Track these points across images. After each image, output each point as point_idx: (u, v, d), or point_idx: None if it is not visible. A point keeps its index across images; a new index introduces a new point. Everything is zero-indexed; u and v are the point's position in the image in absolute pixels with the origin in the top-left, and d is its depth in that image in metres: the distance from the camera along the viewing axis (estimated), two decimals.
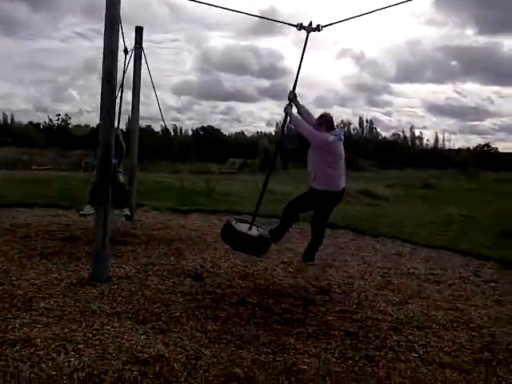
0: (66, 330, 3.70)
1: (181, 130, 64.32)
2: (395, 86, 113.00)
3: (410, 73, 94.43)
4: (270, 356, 3.52)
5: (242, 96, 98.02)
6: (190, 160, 46.27)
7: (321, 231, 5.53)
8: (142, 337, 3.68)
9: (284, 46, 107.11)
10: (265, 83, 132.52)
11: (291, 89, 5.23)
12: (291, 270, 6.04)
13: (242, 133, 75.96)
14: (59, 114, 54.64)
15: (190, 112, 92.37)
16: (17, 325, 3.73)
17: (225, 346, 3.63)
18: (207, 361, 3.35)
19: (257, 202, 5.17)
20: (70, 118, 54.50)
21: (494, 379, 3.36)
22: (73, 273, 5.21)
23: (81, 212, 7.02)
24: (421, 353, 3.73)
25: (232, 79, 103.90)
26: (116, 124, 6.18)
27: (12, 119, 70.75)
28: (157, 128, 56.00)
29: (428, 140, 64.39)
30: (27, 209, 9.05)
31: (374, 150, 53.66)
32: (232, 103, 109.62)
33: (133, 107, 8.52)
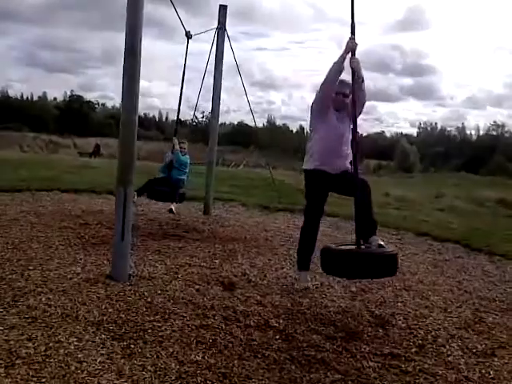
0: (23, 337, 3.11)
1: None
2: None
3: None
4: None
5: (383, 95, 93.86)
6: None
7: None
8: (100, 359, 2.94)
9: (429, 43, 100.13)
10: (408, 81, 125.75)
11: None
12: (354, 289, 4.84)
13: (383, 133, 72.86)
14: (204, 112, 57.58)
15: None
16: None
17: None
18: None
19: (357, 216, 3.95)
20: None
21: None
22: (97, 267, 4.71)
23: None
24: None
25: (374, 78, 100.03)
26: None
27: (166, 117, 77.14)
28: (295, 127, 56.15)
29: None
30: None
31: None
32: (373, 103, 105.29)
33: (213, 95, 7.91)
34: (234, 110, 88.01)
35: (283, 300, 4.31)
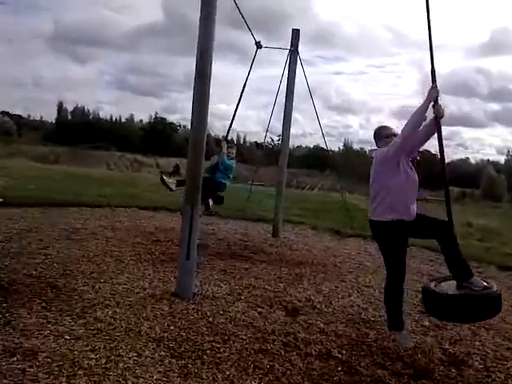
0: (87, 348, 3.20)
1: None
2: None
3: None
4: None
5: (468, 120, 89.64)
6: None
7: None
8: (157, 376, 2.95)
9: None
10: (495, 107, 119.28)
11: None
12: (427, 323, 4.54)
13: (467, 159, 69.47)
14: (280, 135, 58.28)
15: None
16: (46, 331, 3.39)
17: None
18: None
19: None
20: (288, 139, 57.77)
21: None
22: (163, 284, 4.80)
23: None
24: None
25: (457, 102, 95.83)
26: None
27: (244, 139, 78.97)
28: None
29: None
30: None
31: None
32: (457, 128, 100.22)
33: (284, 118, 7.93)
34: (311, 134, 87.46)
35: (348, 330, 4.12)
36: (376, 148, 3.99)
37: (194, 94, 4.37)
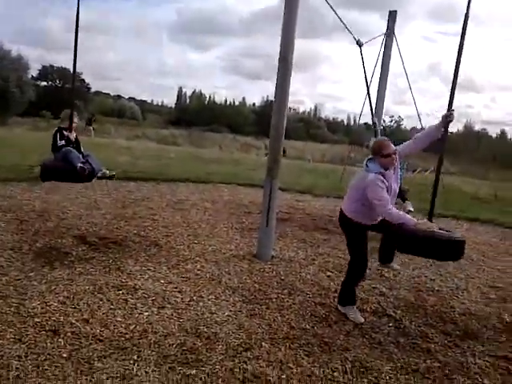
0: (176, 289, 3.97)
1: None
2: None
3: None
4: None
5: None
6: None
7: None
8: (227, 313, 3.61)
9: None
10: None
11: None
12: (494, 296, 4.69)
13: None
14: (392, 116, 56.71)
15: None
16: (146, 276, 4.22)
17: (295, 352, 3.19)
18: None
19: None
20: (402, 120, 55.94)
21: None
22: (248, 247, 5.46)
23: None
24: None
25: None
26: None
27: (354, 120, 77.69)
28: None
29: None
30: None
31: None
32: None
33: (377, 100, 8.10)
34: (428, 114, 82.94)
35: (408, 295, 4.45)
36: (372, 159, 3.72)
37: (277, 78, 4.88)
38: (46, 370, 2.62)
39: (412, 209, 7.55)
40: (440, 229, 3.60)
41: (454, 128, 59.98)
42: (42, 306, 3.39)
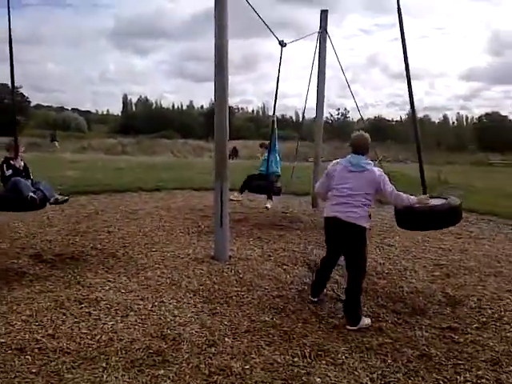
0: (138, 297, 4.06)
1: (466, 118, 59.03)
2: None
3: None
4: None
5: None
6: (469, 150, 43.00)
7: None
8: (190, 315, 3.75)
9: None
10: None
11: None
12: (438, 273, 5.05)
13: None
14: (339, 109, 57.99)
15: (478, 99, 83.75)
16: (107, 287, 4.29)
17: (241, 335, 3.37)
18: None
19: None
20: (348, 112, 57.20)
21: None
22: (205, 250, 5.60)
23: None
24: None
25: None
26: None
27: (303, 116, 78.68)
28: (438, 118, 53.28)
29: None
30: None
31: None
32: None
33: (318, 96, 8.45)
34: (373, 105, 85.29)
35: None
36: (361, 156, 3.82)
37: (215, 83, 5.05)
38: None
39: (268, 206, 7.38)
40: (431, 197, 4.34)
41: (397, 117, 62.15)
42: (6, 327, 3.42)
